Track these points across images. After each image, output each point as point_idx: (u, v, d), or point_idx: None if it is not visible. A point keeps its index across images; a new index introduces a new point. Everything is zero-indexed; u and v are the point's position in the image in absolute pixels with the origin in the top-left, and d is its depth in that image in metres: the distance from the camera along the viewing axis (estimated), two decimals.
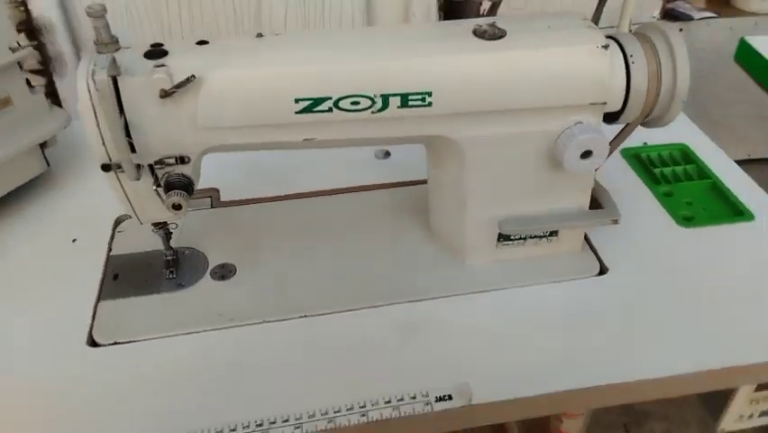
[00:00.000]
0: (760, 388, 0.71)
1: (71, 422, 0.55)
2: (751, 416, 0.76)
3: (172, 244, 0.69)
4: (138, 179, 0.57)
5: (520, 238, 0.68)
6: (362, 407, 0.55)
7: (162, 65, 0.53)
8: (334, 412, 0.55)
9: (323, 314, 0.64)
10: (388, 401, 0.55)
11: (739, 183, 0.80)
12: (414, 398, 0.56)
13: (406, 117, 0.57)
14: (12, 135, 0.72)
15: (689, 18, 1.61)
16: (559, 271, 0.68)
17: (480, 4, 0.85)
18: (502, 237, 0.68)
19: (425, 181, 0.71)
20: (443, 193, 0.68)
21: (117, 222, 0.75)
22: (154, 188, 0.58)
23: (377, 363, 0.60)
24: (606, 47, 0.58)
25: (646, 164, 0.83)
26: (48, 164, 0.79)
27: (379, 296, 0.65)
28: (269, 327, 0.63)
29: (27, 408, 0.56)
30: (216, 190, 0.79)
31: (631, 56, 0.60)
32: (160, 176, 0.58)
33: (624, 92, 0.60)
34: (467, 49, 0.57)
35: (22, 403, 0.56)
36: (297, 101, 0.55)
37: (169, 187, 0.57)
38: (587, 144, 0.59)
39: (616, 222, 0.66)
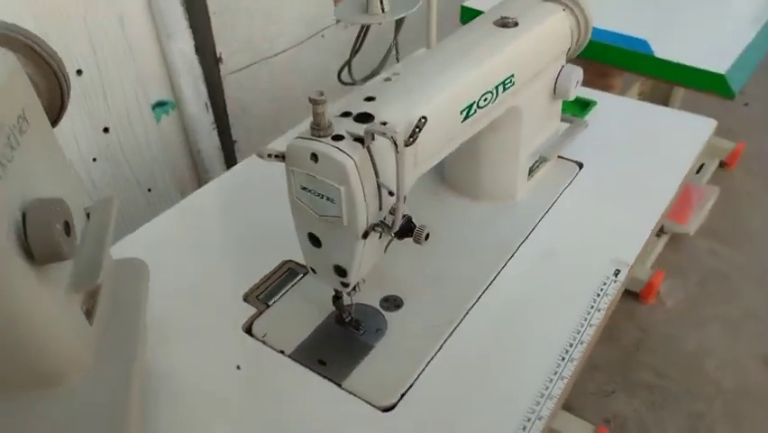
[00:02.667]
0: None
1: None
2: None
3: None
4: (386, 235, 0.61)
5: (536, 167, 0.91)
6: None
7: (385, 122, 0.59)
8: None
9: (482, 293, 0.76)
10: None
11: None
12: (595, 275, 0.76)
13: (503, 98, 0.74)
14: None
15: None
16: (562, 180, 0.93)
17: None
18: (530, 170, 0.89)
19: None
20: (497, 153, 0.85)
21: (248, 331, 0.71)
22: (390, 237, 0.62)
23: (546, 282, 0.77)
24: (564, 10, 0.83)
25: None
26: None
27: (497, 258, 0.80)
28: (471, 315, 0.73)
29: None
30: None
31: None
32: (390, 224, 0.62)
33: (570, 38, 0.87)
34: (502, 37, 0.75)
35: None
36: (461, 111, 0.67)
37: (404, 231, 0.62)
38: (578, 75, 0.85)
39: (586, 126, 0.94)
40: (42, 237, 0.47)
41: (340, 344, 0.70)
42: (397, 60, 1.10)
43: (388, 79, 0.67)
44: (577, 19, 0.84)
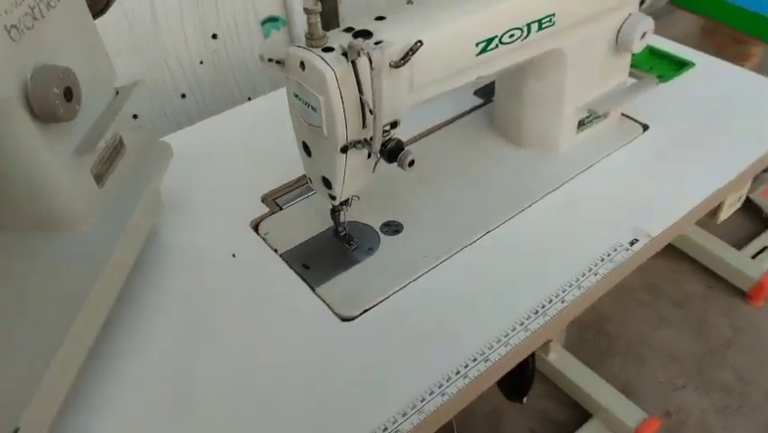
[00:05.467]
0: None
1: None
2: (739, 198, 1.04)
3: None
4: (368, 155, 0.62)
5: (588, 122, 0.86)
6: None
7: (380, 41, 0.59)
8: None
9: (489, 232, 0.75)
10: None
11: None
12: (609, 245, 0.72)
13: (539, 39, 0.71)
14: (134, 179, 0.69)
15: None
16: (618, 139, 0.87)
17: None
18: (580, 124, 0.85)
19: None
20: (542, 101, 0.82)
21: (255, 227, 0.77)
22: (378, 157, 0.64)
23: (562, 238, 0.74)
24: None
25: None
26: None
27: (520, 202, 0.78)
28: (462, 254, 0.73)
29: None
30: None
31: None
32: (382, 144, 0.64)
33: None
34: None
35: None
36: (477, 44, 0.65)
37: (393, 153, 0.63)
38: (645, 27, 0.78)
39: (658, 83, 0.86)
40: (40, 97, 0.54)
41: (329, 254, 0.73)
42: None
43: (410, 2, 0.66)
44: None
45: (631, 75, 0.87)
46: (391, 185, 0.80)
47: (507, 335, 0.63)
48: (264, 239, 0.75)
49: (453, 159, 0.86)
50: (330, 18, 1.42)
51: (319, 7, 0.57)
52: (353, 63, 0.57)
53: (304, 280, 0.70)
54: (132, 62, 1.20)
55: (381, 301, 0.68)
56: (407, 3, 0.66)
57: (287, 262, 0.72)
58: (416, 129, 0.90)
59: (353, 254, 0.73)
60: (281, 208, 0.79)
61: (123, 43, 1.17)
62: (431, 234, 0.75)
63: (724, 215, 1.03)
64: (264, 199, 0.81)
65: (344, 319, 0.66)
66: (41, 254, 0.61)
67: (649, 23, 0.79)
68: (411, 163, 0.63)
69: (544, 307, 0.65)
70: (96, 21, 0.66)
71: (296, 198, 0.81)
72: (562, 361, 1.41)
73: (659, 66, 0.98)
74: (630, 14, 0.78)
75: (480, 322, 0.64)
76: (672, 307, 1.64)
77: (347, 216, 0.73)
